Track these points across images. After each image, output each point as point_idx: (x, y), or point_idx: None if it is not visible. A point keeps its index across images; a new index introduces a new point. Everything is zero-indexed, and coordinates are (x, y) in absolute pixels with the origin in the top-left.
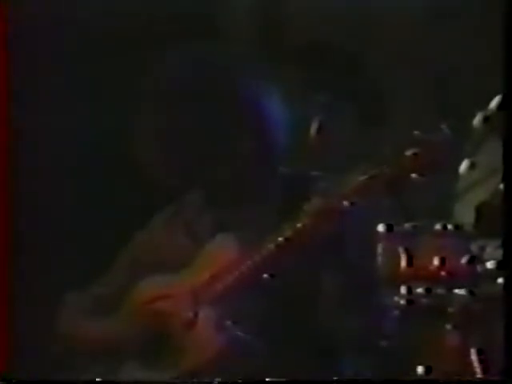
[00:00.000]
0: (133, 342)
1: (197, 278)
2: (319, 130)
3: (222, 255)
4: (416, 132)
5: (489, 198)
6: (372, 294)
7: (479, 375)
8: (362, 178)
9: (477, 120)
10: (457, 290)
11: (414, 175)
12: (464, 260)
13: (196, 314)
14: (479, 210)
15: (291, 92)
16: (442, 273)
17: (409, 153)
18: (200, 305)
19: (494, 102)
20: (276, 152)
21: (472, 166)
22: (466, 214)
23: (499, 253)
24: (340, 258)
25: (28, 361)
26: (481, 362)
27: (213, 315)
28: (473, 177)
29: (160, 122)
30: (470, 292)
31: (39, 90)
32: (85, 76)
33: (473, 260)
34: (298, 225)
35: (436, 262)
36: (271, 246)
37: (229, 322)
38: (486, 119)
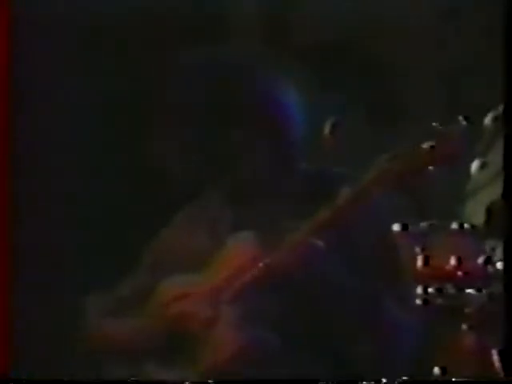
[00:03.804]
0: (154, 341)
1: (217, 277)
2: (333, 127)
3: (242, 253)
4: (434, 124)
5: (499, 198)
6: (389, 293)
7: (500, 375)
8: (381, 171)
9: (488, 119)
10: (471, 290)
11: (430, 168)
12: (480, 260)
13: (216, 313)
14: (490, 210)
15: (307, 90)
16: (459, 273)
17: (426, 145)
18: (220, 304)
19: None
20: (295, 149)
21: (483, 166)
22: (476, 213)
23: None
24: (359, 256)
25: (52, 361)
26: (502, 362)
27: (233, 314)
28: (484, 176)
29: (180, 121)
30: (484, 292)
31: (51, 90)
32: (98, 75)
33: (489, 260)
34: (318, 222)
35: (453, 261)
36: (291, 244)
37: (249, 321)
38: (496, 119)
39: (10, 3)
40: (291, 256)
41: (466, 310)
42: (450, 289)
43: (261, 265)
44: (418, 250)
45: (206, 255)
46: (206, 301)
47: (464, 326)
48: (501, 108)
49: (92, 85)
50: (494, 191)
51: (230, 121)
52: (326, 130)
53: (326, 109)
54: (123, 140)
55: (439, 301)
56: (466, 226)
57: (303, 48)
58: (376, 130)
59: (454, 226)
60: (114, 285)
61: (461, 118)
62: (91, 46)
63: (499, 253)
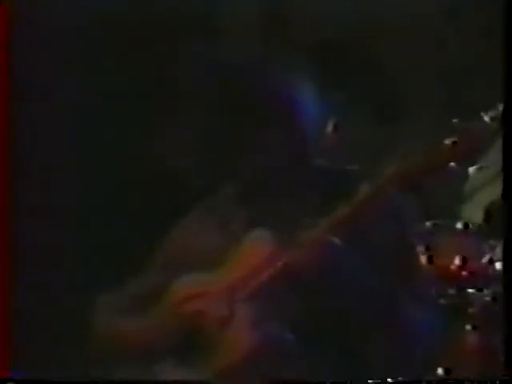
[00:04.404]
0: (168, 341)
1: (232, 276)
2: (342, 125)
3: (257, 252)
4: (454, 120)
5: (498, 198)
6: (408, 291)
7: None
8: (401, 168)
9: (486, 119)
10: (474, 290)
11: (452, 164)
12: (484, 260)
13: (232, 312)
14: (488, 211)
15: (318, 88)
16: (464, 272)
17: (448, 141)
18: (236, 303)
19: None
20: (310, 146)
21: (481, 166)
22: (475, 214)
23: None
24: (377, 254)
25: (54, 362)
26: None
27: (249, 313)
28: (483, 176)
29: (193, 120)
30: (487, 292)
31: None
32: (99, 75)
33: (492, 260)
34: (336, 220)
35: (457, 261)
36: (307, 241)
37: (265, 320)
38: (494, 118)
39: (10, 3)
40: (308, 254)
41: (470, 310)
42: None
43: (279, 264)
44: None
45: (219, 254)
46: (220, 300)
47: (468, 326)
48: (499, 107)
49: (93, 84)
50: (494, 191)
51: (242, 119)
52: (335, 127)
53: (336, 106)
54: (136, 139)
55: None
56: (470, 226)
57: (311, 48)
58: (384, 127)
59: (459, 225)
60: (125, 284)
61: (483, 113)
62: (91, 46)
63: (498, 253)
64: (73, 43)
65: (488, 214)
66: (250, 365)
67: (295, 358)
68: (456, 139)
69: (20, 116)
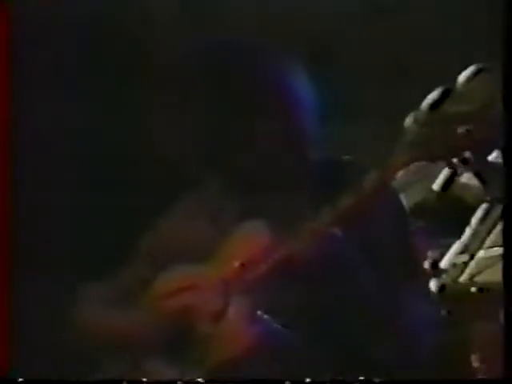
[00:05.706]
0: (157, 336)
1: (225, 268)
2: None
3: (252, 243)
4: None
5: (423, 200)
6: (411, 287)
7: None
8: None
9: (408, 121)
10: None
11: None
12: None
13: (226, 306)
14: (413, 211)
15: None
16: None
17: (461, 130)
18: (230, 296)
19: (427, 102)
20: (305, 137)
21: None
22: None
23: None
24: (377, 247)
25: (42, 358)
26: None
27: (244, 306)
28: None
29: (182, 107)
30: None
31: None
32: (96, 67)
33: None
34: (335, 211)
35: None
36: (306, 233)
37: (261, 314)
38: (416, 120)
39: (10, 3)
40: (306, 246)
41: None
42: None
43: (276, 256)
44: None
45: (211, 245)
46: (213, 293)
47: None
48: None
49: (92, 82)
50: (417, 192)
51: (237, 108)
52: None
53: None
54: (120, 131)
55: None
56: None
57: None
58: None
59: None
60: (113, 277)
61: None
62: (92, 45)
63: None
64: (73, 42)
65: (419, 210)
66: (244, 361)
67: (293, 355)
68: (470, 127)
69: (20, 116)
